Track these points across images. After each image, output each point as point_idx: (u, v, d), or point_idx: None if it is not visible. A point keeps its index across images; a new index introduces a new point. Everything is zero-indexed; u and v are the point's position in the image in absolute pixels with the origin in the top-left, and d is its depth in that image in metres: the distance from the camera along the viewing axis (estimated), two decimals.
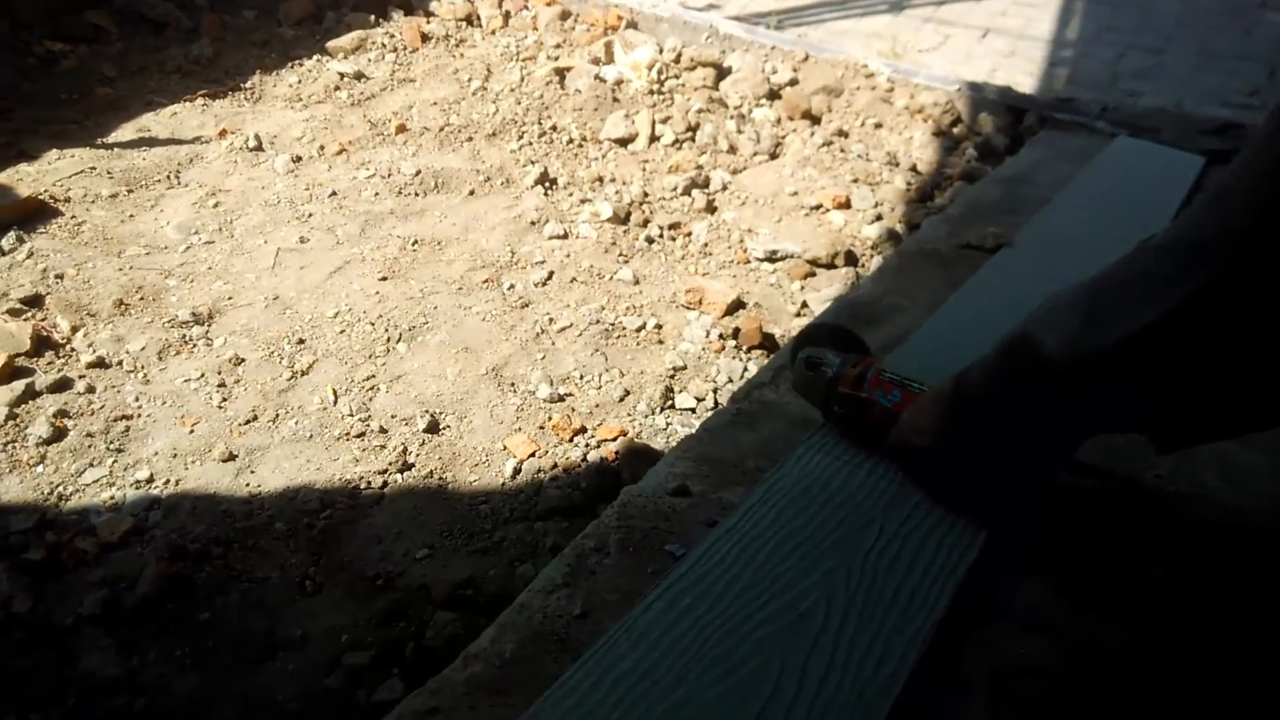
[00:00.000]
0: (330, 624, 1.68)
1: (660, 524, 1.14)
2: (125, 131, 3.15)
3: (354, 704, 1.56)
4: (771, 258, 2.76)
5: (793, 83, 3.64)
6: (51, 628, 1.65)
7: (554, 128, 3.34)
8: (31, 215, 2.64)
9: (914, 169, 3.23)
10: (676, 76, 3.66)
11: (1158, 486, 1.30)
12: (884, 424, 1.23)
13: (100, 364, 2.18)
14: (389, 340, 2.32)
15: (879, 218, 2.97)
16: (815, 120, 3.50)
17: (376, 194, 2.91)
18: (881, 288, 1.93)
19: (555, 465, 2.02)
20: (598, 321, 2.42)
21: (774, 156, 3.33)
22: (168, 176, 2.95)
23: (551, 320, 2.42)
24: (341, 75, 3.57)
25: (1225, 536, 1.21)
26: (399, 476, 1.98)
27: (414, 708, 0.88)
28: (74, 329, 2.28)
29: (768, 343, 2.41)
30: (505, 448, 2.06)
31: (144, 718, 1.52)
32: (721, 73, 3.74)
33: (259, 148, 3.12)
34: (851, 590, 1.05)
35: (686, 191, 3.06)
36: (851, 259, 2.74)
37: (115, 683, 1.56)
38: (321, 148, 3.14)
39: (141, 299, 2.41)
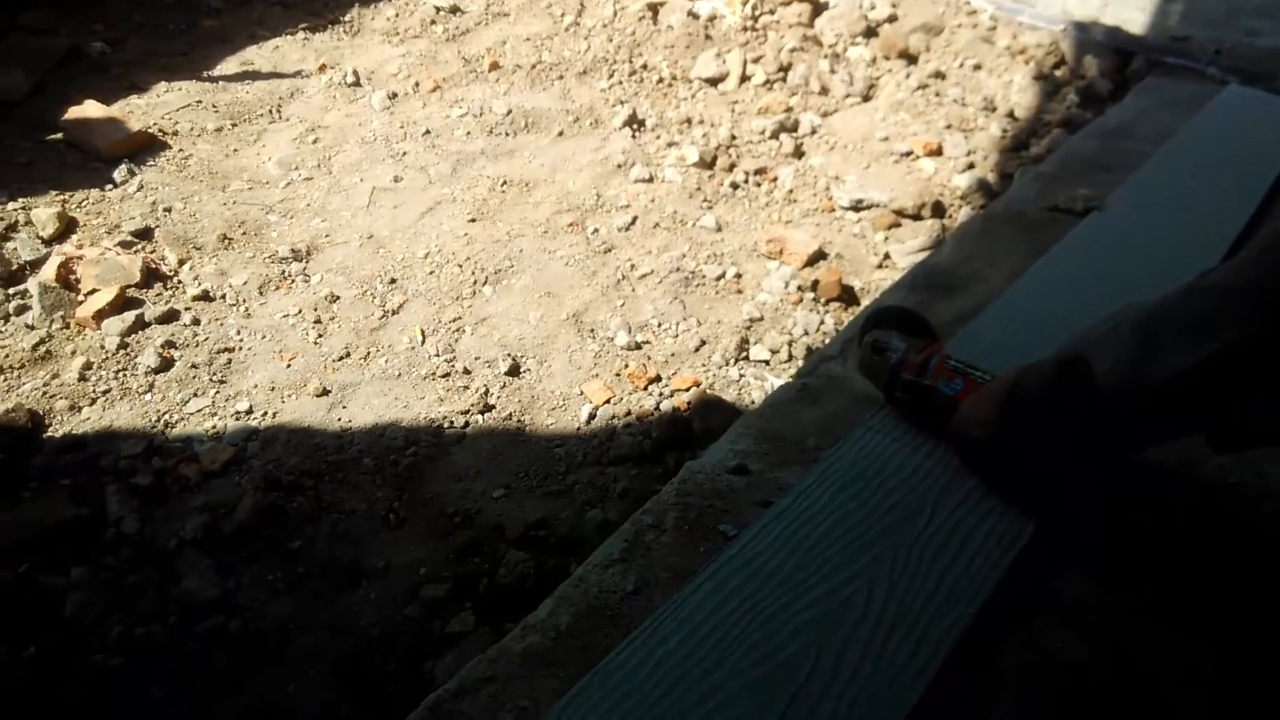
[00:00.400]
0: (411, 557, 1.79)
1: (716, 502, 1.20)
2: (229, 64, 3.25)
3: (430, 633, 1.67)
4: (857, 206, 2.76)
5: (891, 19, 3.58)
6: (156, 548, 1.78)
7: (644, 66, 3.35)
8: (141, 148, 2.76)
9: (1011, 115, 3.17)
10: (771, 12, 3.62)
11: (1220, 478, 1.30)
12: (945, 411, 1.25)
13: (205, 297, 2.31)
14: (475, 283, 2.39)
15: (971, 166, 2.94)
16: (912, 60, 3.45)
17: (469, 133, 2.97)
18: (963, 253, 1.92)
19: (629, 412, 2.09)
20: (678, 269, 2.46)
21: (867, 99, 3.29)
22: (269, 111, 3.05)
23: (633, 266, 2.47)
24: (437, 9, 3.62)
25: None
26: (480, 417, 2.06)
27: (474, 675, 0.95)
28: (181, 261, 2.40)
29: (846, 295, 2.43)
30: (582, 393, 2.13)
31: (239, 637, 1.65)
32: (818, 8, 3.68)
33: (357, 83, 3.20)
34: (895, 578, 1.09)
35: (775, 135, 3.05)
36: (939, 210, 2.72)
37: (213, 604, 1.68)
38: (417, 84, 3.20)
39: (244, 234, 2.52)
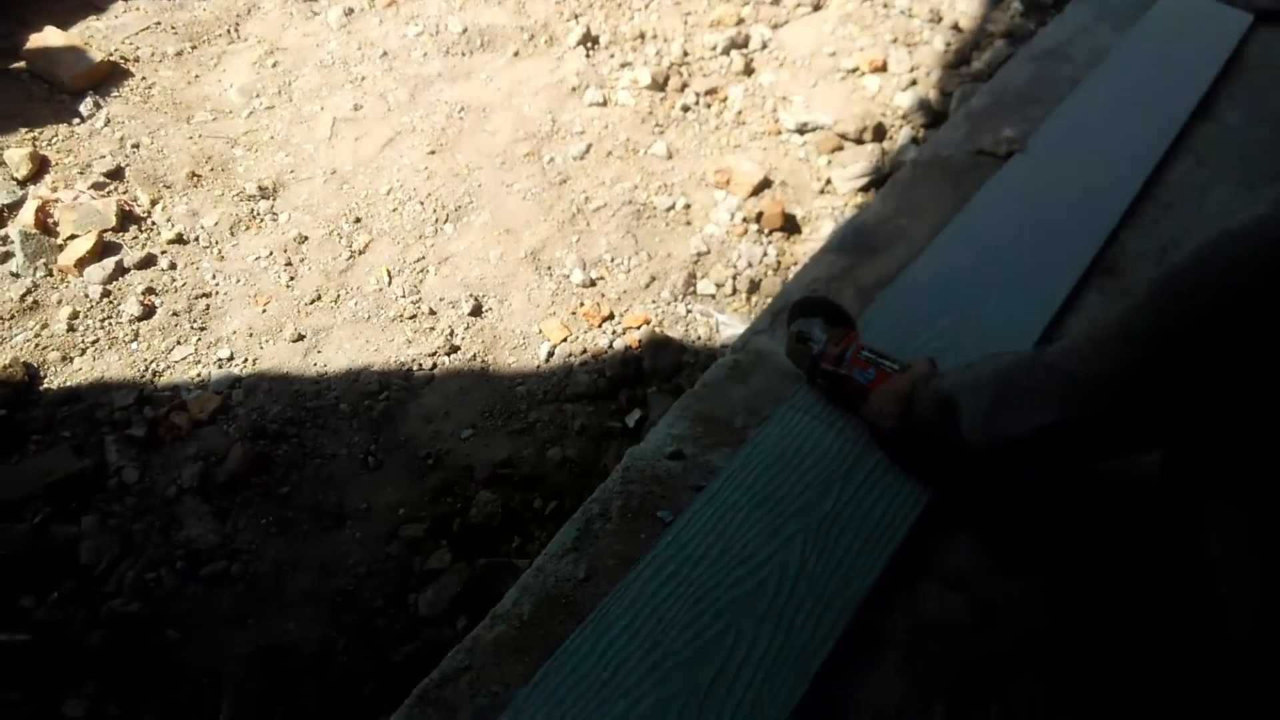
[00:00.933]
0: (389, 498, 1.98)
1: (655, 488, 1.39)
2: None
3: (410, 569, 1.88)
4: (802, 129, 2.88)
5: None
6: (157, 496, 1.96)
7: None
8: (105, 79, 2.81)
9: (956, 26, 3.26)
10: None
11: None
12: (859, 398, 1.45)
13: (179, 240, 2.42)
14: (437, 221, 2.52)
15: (913, 83, 3.05)
16: None
17: (425, 54, 3.03)
18: (890, 207, 2.07)
19: (585, 350, 2.26)
20: (630, 201, 2.59)
21: (817, 8, 3.36)
22: (228, 31, 3.08)
23: (588, 199, 2.60)
24: None
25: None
26: (447, 359, 2.23)
27: (453, 665, 1.15)
28: (153, 202, 2.50)
29: (789, 225, 2.58)
30: (541, 331, 2.30)
31: (240, 579, 1.85)
32: None
33: None
34: (805, 557, 1.30)
35: (726, 51, 3.13)
36: (880, 133, 2.85)
37: (214, 549, 1.88)
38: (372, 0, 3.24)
39: (211, 169, 2.61)
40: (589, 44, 3.12)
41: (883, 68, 3.08)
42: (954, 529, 1.39)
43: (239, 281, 2.35)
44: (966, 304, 1.79)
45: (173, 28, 3.05)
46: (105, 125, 2.69)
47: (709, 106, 2.95)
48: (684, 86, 3.00)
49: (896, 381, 1.40)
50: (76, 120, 2.69)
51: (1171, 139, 2.36)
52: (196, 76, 2.91)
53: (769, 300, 2.37)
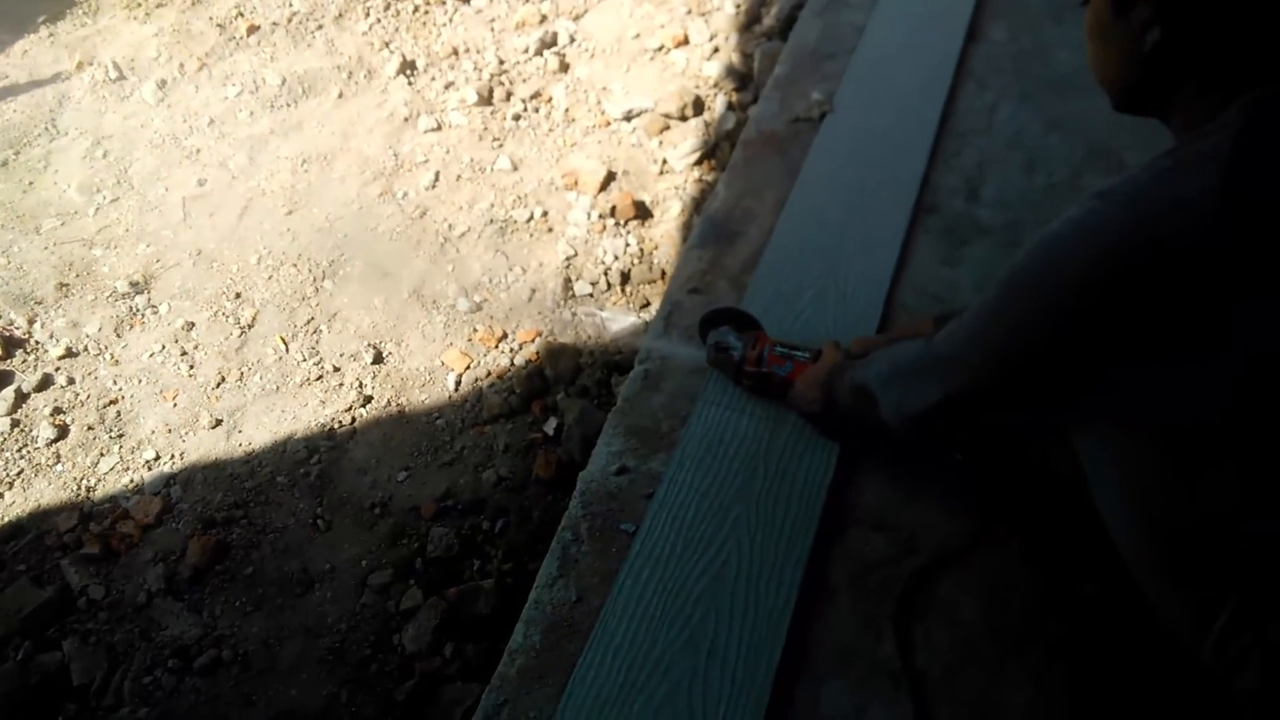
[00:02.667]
0: (349, 554, 2.13)
1: (612, 505, 1.60)
2: None
3: (387, 613, 2.05)
4: (628, 116, 3.08)
5: None
6: (128, 605, 2.06)
7: None
8: None
9: None
10: None
11: None
12: (782, 388, 1.70)
13: (69, 353, 2.47)
14: (315, 280, 2.63)
15: (715, 51, 3.27)
16: None
17: (251, 113, 3.09)
18: (734, 192, 2.30)
19: (489, 373, 2.44)
20: (491, 220, 2.76)
21: None
22: (45, 127, 3.07)
23: (450, 226, 2.75)
24: None
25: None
26: (363, 410, 2.37)
27: (491, 703, 1.35)
28: (30, 321, 2.53)
29: (641, 211, 2.79)
30: (443, 364, 2.46)
31: (233, 661, 1.98)
32: None
33: (121, 76, 3.23)
34: (752, 532, 1.54)
35: (539, 52, 3.30)
36: (699, 106, 3.07)
37: (200, 640, 2.00)
38: (181, 66, 3.25)
39: (77, 276, 2.65)
40: (408, 71, 3.23)
41: (685, 41, 3.30)
42: (862, 475, 1.66)
43: (141, 381, 2.43)
44: (822, 273, 2.04)
45: None
46: None
47: (537, 110, 3.12)
48: (509, 95, 3.16)
49: (813, 370, 1.64)
50: None
51: (954, 67, 2.66)
52: (31, 184, 2.91)
53: (641, 288, 2.60)
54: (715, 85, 3.15)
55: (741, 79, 3.15)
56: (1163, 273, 1.01)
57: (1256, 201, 0.98)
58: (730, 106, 3.04)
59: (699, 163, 2.90)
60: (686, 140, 2.95)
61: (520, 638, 1.43)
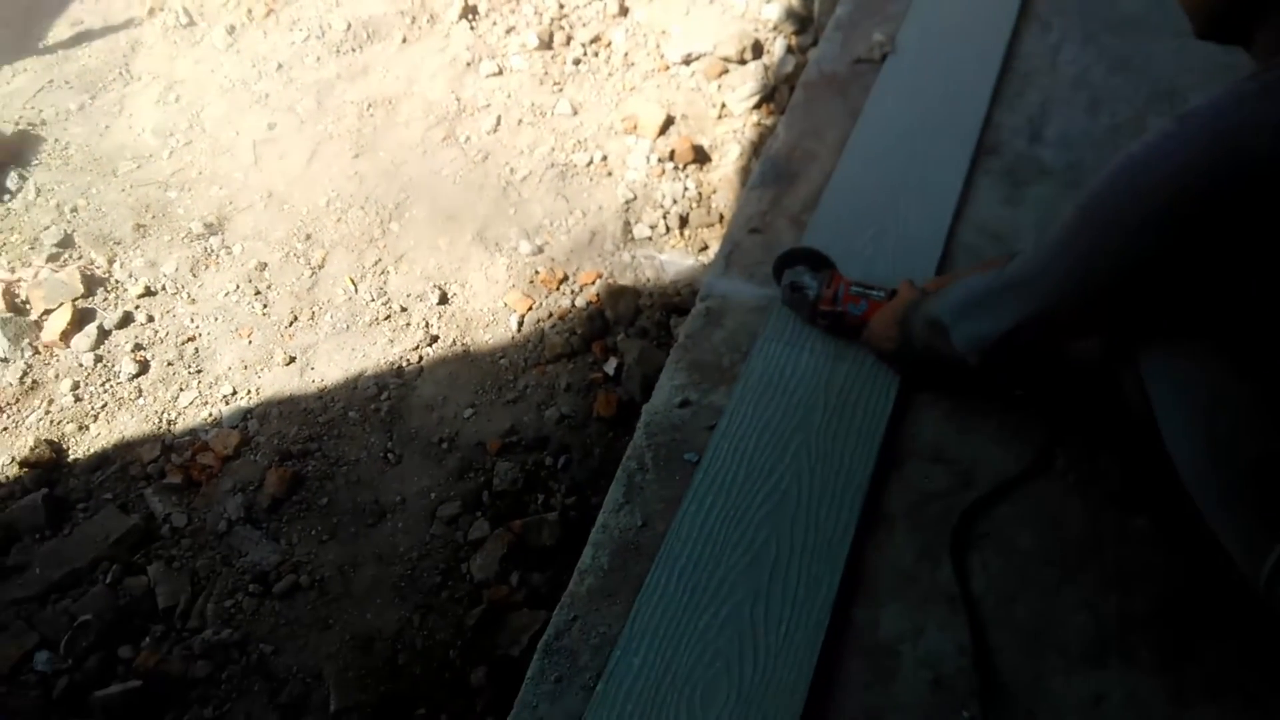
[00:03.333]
0: (419, 486, 2.21)
1: (675, 436, 1.65)
2: (60, 28, 3.30)
3: (456, 543, 2.12)
4: (688, 60, 3.09)
5: None
6: (210, 533, 2.16)
7: None
8: (20, 150, 2.88)
9: None
10: None
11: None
12: (857, 327, 1.73)
13: (148, 292, 2.56)
14: (382, 221, 2.70)
15: None
16: None
17: (318, 58, 3.15)
18: (795, 133, 2.32)
19: (551, 314, 2.49)
20: (552, 164, 2.80)
21: None
22: (120, 73, 3.15)
23: (512, 170, 2.80)
24: None
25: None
26: (429, 350, 2.44)
27: (562, 619, 1.42)
28: (109, 261, 2.63)
29: (699, 156, 2.82)
30: (506, 305, 2.52)
31: (310, 587, 2.07)
32: None
33: (191, 22, 3.30)
34: (812, 463, 1.59)
35: None
36: (758, 50, 3.07)
37: (278, 566, 2.09)
38: (249, 11, 3.31)
39: (153, 217, 2.74)
40: (470, 16, 3.26)
41: None
42: (920, 409, 1.69)
43: (217, 320, 2.51)
44: (882, 212, 2.06)
45: (66, 82, 3.11)
46: (37, 196, 2.78)
47: (597, 55, 3.14)
48: (569, 40, 3.18)
49: (888, 308, 1.67)
50: (7, 197, 2.78)
51: (1018, 7, 2.64)
52: (107, 127, 2.99)
53: (700, 231, 2.63)
54: (775, 28, 3.15)
55: (801, 21, 3.14)
56: (1245, 193, 1.02)
57: None
58: (789, 49, 3.04)
59: (758, 106, 2.91)
60: (745, 84, 2.96)
61: (589, 559, 1.50)
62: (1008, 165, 2.19)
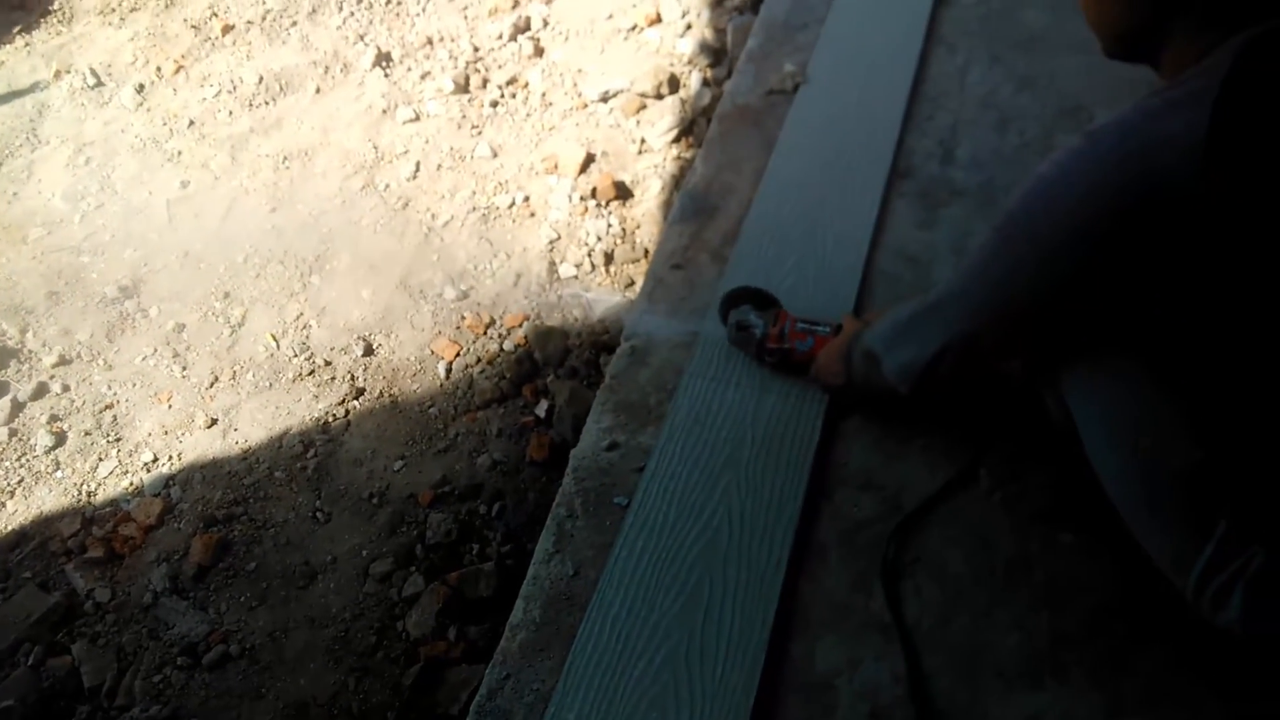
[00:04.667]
0: (350, 544, 2.16)
1: (604, 480, 1.63)
2: None
3: (390, 600, 2.08)
4: (605, 98, 3.10)
5: None
6: (134, 606, 2.09)
7: None
8: None
9: None
10: None
11: None
12: (805, 364, 1.73)
13: (62, 361, 2.49)
14: (302, 275, 2.65)
15: (689, 27, 3.29)
16: None
17: (231, 113, 3.11)
18: (712, 166, 2.32)
19: (479, 359, 2.46)
20: (474, 208, 2.78)
21: None
22: (27, 138, 3.08)
23: (434, 216, 2.77)
24: None
25: None
26: (356, 403, 2.40)
27: (495, 677, 1.38)
28: (22, 331, 2.56)
29: (622, 192, 2.81)
30: (433, 353, 2.48)
31: (240, 656, 2.01)
32: None
33: (99, 83, 3.24)
34: (742, 498, 1.57)
35: (513, 37, 3.31)
36: (674, 84, 3.09)
37: (208, 636, 2.03)
38: (158, 69, 3.26)
39: (66, 284, 2.67)
40: (383, 63, 3.24)
41: (658, 19, 3.31)
42: (848, 438, 1.69)
43: (135, 385, 2.45)
44: (802, 241, 2.07)
45: None
46: None
47: (515, 96, 3.13)
48: (486, 83, 3.17)
49: (834, 343, 1.66)
50: None
51: (924, 31, 2.68)
52: (15, 194, 2.92)
53: (625, 267, 2.62)
54: (690, 62, 3.16)
55: (715, 54, 3.16)
56: (1155, 210, 1.03)
57: (1245, 138, 1.00)
58: (705, 82, 3.06)
59: (677, 140, 2.92)
60: (664, 118, 2.97)
61: (520, 613, 1.47)
62: (922, 188, 2.21)
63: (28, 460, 2.32)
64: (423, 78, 3.18)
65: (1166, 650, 1.37)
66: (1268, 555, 1.13)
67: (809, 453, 1.64)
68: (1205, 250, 1.02)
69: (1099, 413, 1.27)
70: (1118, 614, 1.41)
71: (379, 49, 3.24)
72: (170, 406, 2.41)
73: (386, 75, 3.20)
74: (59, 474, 2.30)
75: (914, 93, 2.49)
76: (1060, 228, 1.11)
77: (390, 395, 2.41)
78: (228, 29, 3.37)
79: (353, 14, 3.40)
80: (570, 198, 2.78)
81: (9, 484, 2.27)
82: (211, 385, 2.44)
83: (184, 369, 2.48)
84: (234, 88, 3.18)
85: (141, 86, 3.21)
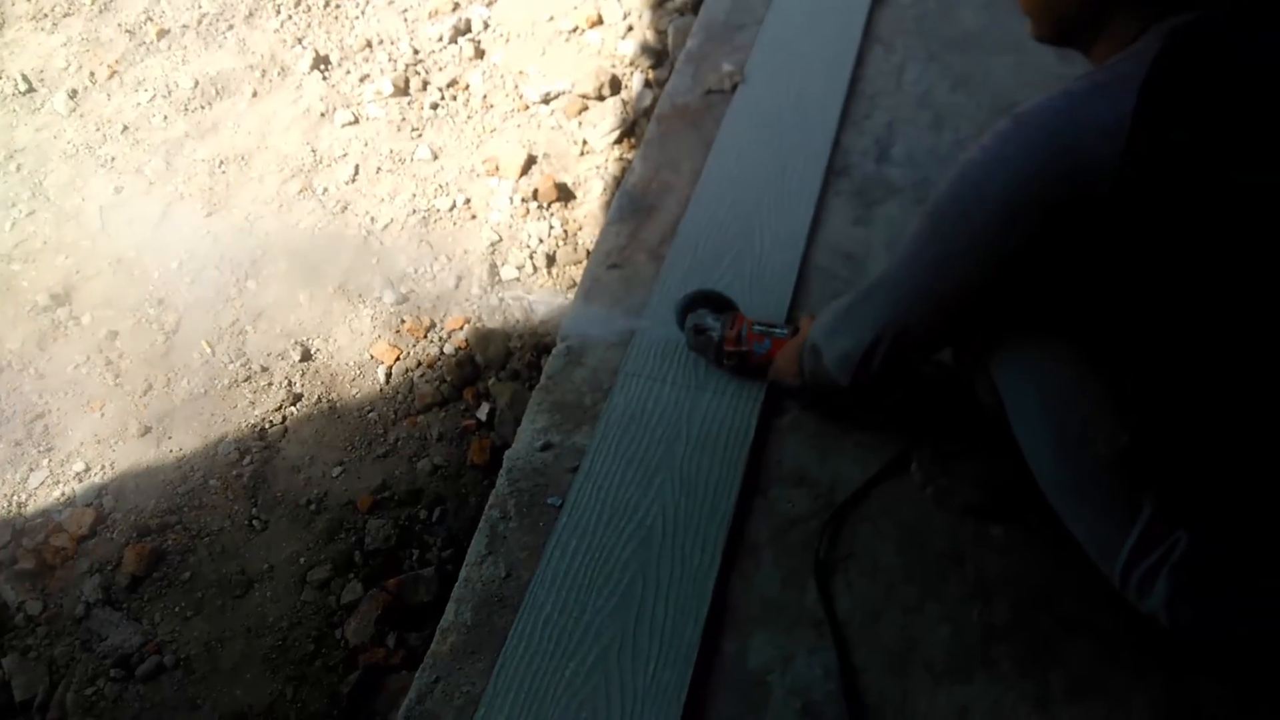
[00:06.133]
0: (287, 552, 2.13)
1: (539, 480, 1.62)
2: None
3: (329, 608, 2.05)
4: (547, 99, 3.08)
5: None
6: (67, 618, 2.05)
7: None
8: None
9: None
10: None
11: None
12: (763, 366, 1.72)
13: None
14: (238, 281, 2.61)
15: (630, 29, 3.28)
16: None
17: (166, 118, 3.06)
18: (650, 166, 2.32)
19: (419, 363, 2.44)
20: (414, 211, 2.75)
21: None
22: None
23: (373, 219, 2.75)
24: None
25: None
26: (293, 409, 2.37)
27: (424, 680, 1.37)
28: None
29: (563, 193, 2.80)
30: (372, 357, 2.46)
31: (175, 667, 1.97)
32: None
33: (31, 89, 3.17)
34: (676, 496, 1.57)
35: (453, 40, 3.29)
36: (616, 85, 3.08)
37: (141, 647, 1.99)
38: (91, 74, 3.21)
39: None
40: (321, 66, 3.21)
41: (599, 21, 3.31)
42: (782, 434, 1.69)
43: (67, 394, 2.40)
44: (739, 239, 2.07)
45: None
46: None
47: (455, 99, 3.11)
48: (426, 85, 3.15)
49: (791, 344, 1.65)
50: None
51: (861, 30, 2.70)
52: None
53: (567, 269, 2.61)
54: (631, 63, 3.16)
55: (657, 55, 3.16)
56: (1077, 193, 1.02)
57: (1169, 122, 1.00)
58: (647, 84, 3.06)
59: (619, 141, 2.91)
60: (605, 119, 2.96)
61: (451, 616, 1.45)
62: (858, 186, 2.22)
63: None
64: (362, 80, 3.15)
65: (1095, 640, 1.38)
66: (1190, 541, 1.14)
67: (744, 450, 1.64)
68: (1129, 233, 1.02)
69: (1028, 398, 1.28)
70: (1047, 605, 1.42)
71: (317, 52, 3.21)
72: (103, 415, 2.36)
73: (325, 78, 3.16)
74: None
75: (851, 91, 2.50)
76: (988, 212, 1.10)
77: (328, 401, 2.38)
78: (163, 33, 3.32)
79: (290, 17, 3.36)
80: (512, 200, 2.77)
81: None
82: (145, 393, 2.40)
83: (117, 377, 2.43)
84: (169, 92, 3.13)
85: (74, 92, 3.15)
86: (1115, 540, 1.20)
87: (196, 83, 3.14)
